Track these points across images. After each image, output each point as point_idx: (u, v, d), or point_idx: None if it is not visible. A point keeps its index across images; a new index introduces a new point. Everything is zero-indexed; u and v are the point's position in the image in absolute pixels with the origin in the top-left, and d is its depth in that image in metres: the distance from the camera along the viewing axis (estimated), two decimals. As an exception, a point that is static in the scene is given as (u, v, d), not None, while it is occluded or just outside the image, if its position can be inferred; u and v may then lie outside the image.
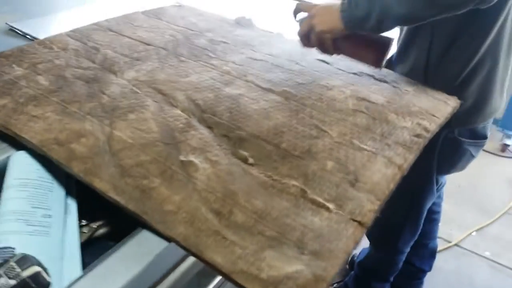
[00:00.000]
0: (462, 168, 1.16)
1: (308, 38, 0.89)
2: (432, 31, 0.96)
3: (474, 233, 2.00)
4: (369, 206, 0.65)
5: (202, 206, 0.62)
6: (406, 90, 0.95)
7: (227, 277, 0.55)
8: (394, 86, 0.96)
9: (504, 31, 0.92)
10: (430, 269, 1.55)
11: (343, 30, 0.84)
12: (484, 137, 1.08)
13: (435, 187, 1.17)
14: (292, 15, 0.94)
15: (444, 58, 0.98)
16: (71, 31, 1.07)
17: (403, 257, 1.39)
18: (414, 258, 1.48)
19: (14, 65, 0.90)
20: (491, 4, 0.79)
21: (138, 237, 0.61)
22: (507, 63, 0.99)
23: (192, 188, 0.65)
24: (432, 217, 1.46)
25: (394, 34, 0.93)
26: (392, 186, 0.70)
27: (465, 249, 1.92)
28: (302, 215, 0.63)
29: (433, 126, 0.85)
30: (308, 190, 0.67)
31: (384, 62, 0.93)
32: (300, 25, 0.91)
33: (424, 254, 1.52)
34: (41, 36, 1.11)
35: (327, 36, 0.86)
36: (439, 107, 0.92)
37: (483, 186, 2.26)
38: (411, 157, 0.76)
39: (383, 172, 0.71)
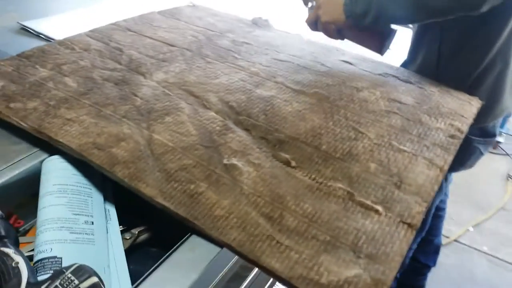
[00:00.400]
0: (471, 166, 1.16)
1: (315, 25, 0.98)
2: (441, 34, 0.97)
3: (471, 229, 2.05)
4: (417, 208, 0.65)
5: (252, 211, 0.61)
6: (431, 91, 0.95)
7: (286, 283, 0.54)
8: (419, 87, 0.96)
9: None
10: (434, 265, 1.56)
11: (345, 22, 0.91)
12: (493, 135, 1.09)
13: (444, 185, 1.18)
14: (303, 2, 1.01)
15: (454, 60, 0.99)
16: (90, 31, 1.05)
17: (410, 254, 1.39)
18: (420, 254, 1.48)
19: (37, 66, 0.88)
20: (481, 11, 0.81)
21: (189, 243, 0.59)
22: None
23: (239, 192, 0.64)
24: (438, 214, 1.47)
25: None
26: (436, 187, 0.70)
27: (464, 244, 1.97)
28: (353, 218, 0.62)
29: (464, 126, 0.85)
30: (355, 193, 0.66)
31: (385, 50, 0.99)
32: (309, 13, 0.99)
33: (429, 250, 1.53)
34: (55, 35, 1.09)
35: (331, 26, 0.94)
36: (465, 107, 0.92)
37: (477, 183, 2.31)
38: (450, 158, 0.76)
39: (426, 173, 0.71)
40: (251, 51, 1.03)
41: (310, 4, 0.99)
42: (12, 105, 0.76)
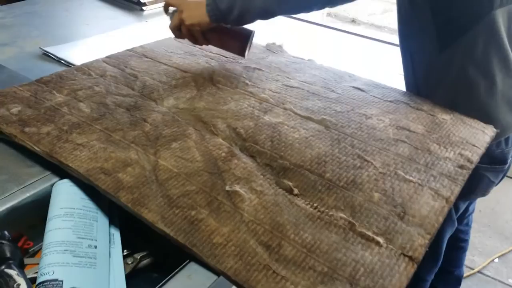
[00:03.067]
0: (483, 194, 1.11)
1: (179, 31, 0.98)
2: (411, 56, 0.99)
3: (496, 260, 1.97)
4: (419, 241, 0.64)
5: (250, 239, 0.62)
6: (443, 119, 0.94)
7: (280, 314, 0.54)
8: (431, 115, 0.95)
9: (492, 50, 0.89)
10: None
11: (209, 23, 0.93)
12: (503, 162, 1.04)
13: (454, 213, 1.15)
14: (163, 10, 1.03)
15: (428, 82, 0.99)
16: (107, 57, 1.09)
17: (427, 285, 1.35)
18: (440, 284, 1.44)
19: (54, 92, 0.91)
20: (340, 4, 0.90)
21: (187, 270, 0.60)
22: (511, 80, 0.94)
23: (239, 220, 0.64)
24: (459, 245, 1.43)
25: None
26: (441, 219, 0.68)
27: (488, 276, 1.89)
28: (352, 249, 0.62)
29: (475, 156, 0.84)
30: (356, 223, 0.66)
31: (247, 52, 1.04)
32: (171, 18, 0.99)
33: (450, 280, 1.48)
34: (75, 61, 1.13)
35: (196, 29, 0.96)
36: (478, 136, 0.91)
37: (504, 211, 2.23)
38: (457, 189, 0.74)
39: (431, 204, 0.70)
40: (262, 77, 1.04)
41: (171, 10, 1.00)
42: (27, 129, 0.79)
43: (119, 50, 1.13)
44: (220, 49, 1.10)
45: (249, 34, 1.00)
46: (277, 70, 1.09)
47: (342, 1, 0.92)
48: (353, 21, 5.30)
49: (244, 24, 0.97)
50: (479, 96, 0.94)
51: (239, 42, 1.01)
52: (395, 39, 1.52)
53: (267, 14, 0.93)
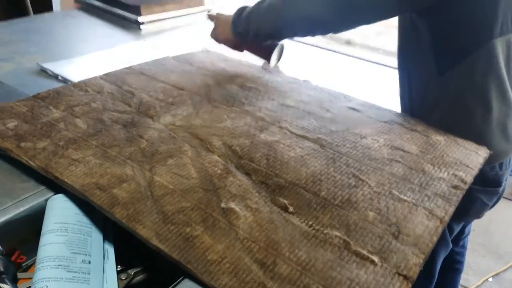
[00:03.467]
0: (477, 216, 1.12)
1: (218, 41, 1.17)
2: (409, 78, 1.02)
3: (490, 279, 1.98)
4: (414, 260, 0.64)
5: (245, 256, 0.61)
6: (437, 140, 0.95)
7: (275, 332, 0.54)
8: (425, 135, 0.96)
9: (489, 78, 0.91)
10: None
11: (235, 39, 1.09)
12: (497, 185, 1.05)
13: (448, 235, 1.15)
14: (208, 19, 1.21)
15: (424, 105, 1.00)
16: (104, 74, 1.09)
17: None
18: None
19: (51, 107, 0.92)
20: (342, 31, 0.96)
21: (181, 287, 0.59)
22: (507, 108, 0.95)
23: (234, 237, 0.64)
24: (454, 267, 1.42)
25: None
26: (435, 239, 0.69)
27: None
28: (347, 267, 0.62)
29: (469, 177, 0.84)
30: (351, 242, 0.66)
31: (274, 62, 1.23)
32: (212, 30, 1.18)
33: None
34: (72, 77, 1.14)
35: (227, 44, 1.16)
36: (471, 157, 0.92)
37: (497, 231, 2.24)
38: (451, 209, 0.75)
39: (425, 224, 0.70)
40: (258, 96, 1.05)
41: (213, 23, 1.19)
42: (22, 144, 0.79)
43: (116, 67, 1.14)
44: (215, 68, 1.23)
45: (272, 47, 1.19)
46: (273, 90, 1.10)
47: (345, 28, 0.95)
48: (348, 42, 5.38)
49: (260, 43, 1.17)
50: (474, 122, 0.95)
51: (266, 53, 1.20)
52: (390, 61, 1.55)
53: (275, 37, 1.10)
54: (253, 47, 1.19)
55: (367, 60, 1.58)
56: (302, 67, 1.44)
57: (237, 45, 1.16)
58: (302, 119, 0.97)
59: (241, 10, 1.05)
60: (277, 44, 1.19)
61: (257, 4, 1.01)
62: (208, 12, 1.32)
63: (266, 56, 1.21)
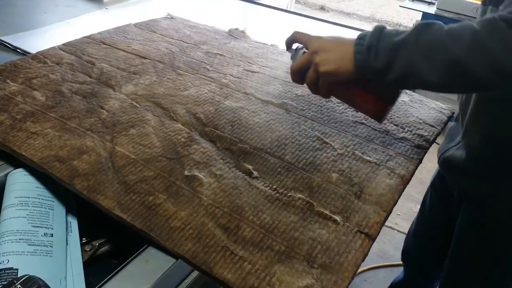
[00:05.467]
0: None
1: (303, 74, 0.71)
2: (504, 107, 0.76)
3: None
4: (375, 218, 0.65)
5: (209, 222, 0.62)
6: (402, 101, 0.96)
7: (238, 293, 0.55)
8: (390, 97, 0.97)
9: None
10: None
11: (353, 74, 0.66)
12: None
13: None
14: (286, 45, 0.76)
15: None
16: (63, 44, 1.06)
17: None
18: None
19: (8, 80, 0.89)
20: None
21: (145, 255, 0.60)
22: None
23: (198, 203, 0.64)
24: None
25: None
26: (396, 197, 0.70)
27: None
28: (310, 228, 0.63)
29: (431, 136, 0.86)
30: (315, 203, 0.67)
31: (386, 116, 0.74)
32: (295, 58, 0.73)
33: None
34: (32, 50, 1.10)
35: (330, 79, 0.68)
36: (435, 116, 0.93)
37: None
38: (413, 168, 0.76)
39: (387, 183, 0.72)
40: (223, 63, 1.04)
41: (295, 46, 0.75)
42: (-22, 119, 0.77)
43: (77, 38, 1.10)
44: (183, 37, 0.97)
45: (393, 98, 0.70)
46: (239, 56, 1.08)
47: None
48: (322, 8, 5.33)
49: (398, 89, 0.71)
50: None
51: (378, 104, 0.70)
52: (364, 26, 1.53)
53: (440, 91, 0.66)
54: (360, 94, 0.69)
55: (341, 25, 1.57)
56: (272, 32, 1.42)
57: (331, 86, 0.69)
58: (267, 84, 0.96)
59: (380, 30, 0.63)
60: (398, 94, 0.71)
61: (424, 28, 0.61)
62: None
63: (378, 110, 0.70)
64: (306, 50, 0.71)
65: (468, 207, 0.90)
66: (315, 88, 0.71)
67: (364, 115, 0.81)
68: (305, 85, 0.71)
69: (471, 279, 0.94)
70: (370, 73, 0.64)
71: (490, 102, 0.77)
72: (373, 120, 0.76)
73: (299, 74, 0.72)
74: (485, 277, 0.92)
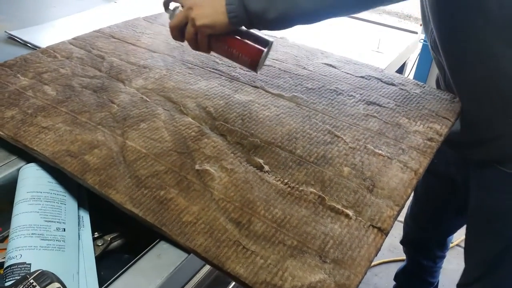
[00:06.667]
0: None
1: (182, 31, 0.77)
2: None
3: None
4: (388, 212, 0.65)
5: (220, 216, 0.61)
6: (414, 93, 0.95)
7: (250, 288, 0.55)
8: (401, 89, 0.96)
9: None
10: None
11: (227, 26, 0.71)
12: None
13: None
14: (163, 6, 0.82)
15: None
16: (73, 38, 1.06)
17: None
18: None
19: (19, 75, 0.89)
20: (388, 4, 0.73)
21: (157, 250, 0.60)
22: None
23: (209, 198, 0.64)
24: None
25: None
26: (409, 191, 0.69)
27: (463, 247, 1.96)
28: (322, 222, 0.62)
29: (444, 129, 0.84)
30: (326, 197, 0.66)
31: (260, 66, 0.79)
32: (172, 17, 0.79)
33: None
34: (42, 44, 1.10)
35: (206, 32, 0.73)
36: (447, 107, 0.92)
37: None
38: (426, 161, 0.75)
39: (400, 177, 0.71)
40: (233, 56, 1.03)
41: (172, 6, 0.81)
42: (-11, 114, 0.77)
43: (86, 32, 1.10)
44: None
45: (265, 45, 0.76)
46: (249, 49, 1.07)
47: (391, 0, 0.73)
48: None
49: (274, 30, 0.77)
50: None
51: (253, 54, 0.76)
52: (368, 15, 1.52)
53: (317, 18, 0.73)
54: (235, 45, 0.76)
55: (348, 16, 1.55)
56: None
57: (210, 41, 0.76)
58: (277, 77, 0.95)
59: None
60: (269, 41, 0.77)
61: None
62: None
63: (253, 59, 0.77)
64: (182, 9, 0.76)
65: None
66: (195, 44, 0.77)
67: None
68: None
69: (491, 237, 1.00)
70: (245, 20, 0.70)
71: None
72: (384, 113, 0.79)
73: (177, 31, 0.78)
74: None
